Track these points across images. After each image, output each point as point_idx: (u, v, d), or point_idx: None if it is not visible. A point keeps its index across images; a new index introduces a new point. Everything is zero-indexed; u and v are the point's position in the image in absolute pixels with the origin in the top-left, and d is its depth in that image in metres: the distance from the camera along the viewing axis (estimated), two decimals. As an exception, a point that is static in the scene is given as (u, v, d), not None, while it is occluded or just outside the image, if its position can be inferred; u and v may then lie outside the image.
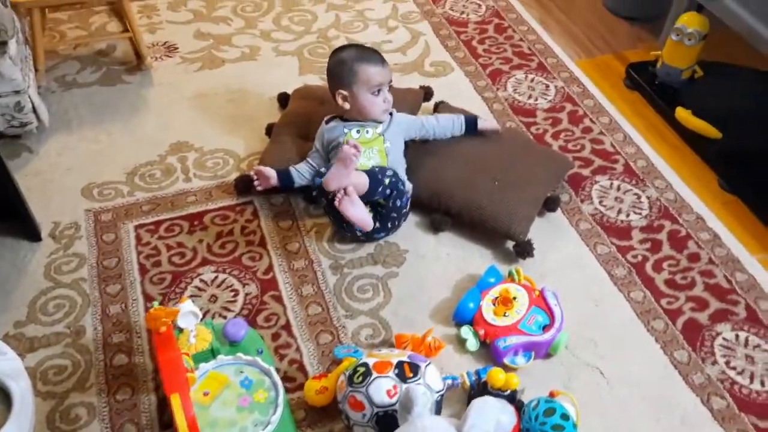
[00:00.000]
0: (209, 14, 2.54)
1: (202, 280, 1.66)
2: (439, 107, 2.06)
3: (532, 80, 2.29)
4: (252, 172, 1.80)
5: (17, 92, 1.89)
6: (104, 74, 2.25)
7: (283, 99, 2.13)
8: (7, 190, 1.68)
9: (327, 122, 1.86)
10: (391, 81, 1.87)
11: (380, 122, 1.82)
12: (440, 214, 1.78)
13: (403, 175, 1.76)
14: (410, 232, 1.78)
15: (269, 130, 2.01)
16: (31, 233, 1.73)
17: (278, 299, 1.62)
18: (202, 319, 1.50)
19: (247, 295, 1.63)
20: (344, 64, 1.86)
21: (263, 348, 1.48)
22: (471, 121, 1.95)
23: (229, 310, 1.60)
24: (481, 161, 1.83)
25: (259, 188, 1.78)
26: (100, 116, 2.10)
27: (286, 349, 1.53)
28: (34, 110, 1.95)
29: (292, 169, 1.80)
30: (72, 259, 1.70)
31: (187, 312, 1.44)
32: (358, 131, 1.79)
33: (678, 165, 2.02)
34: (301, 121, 1.97)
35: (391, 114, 1.86)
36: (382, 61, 1.85)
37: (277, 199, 1.86)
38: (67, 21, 2.47)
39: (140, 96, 2.18)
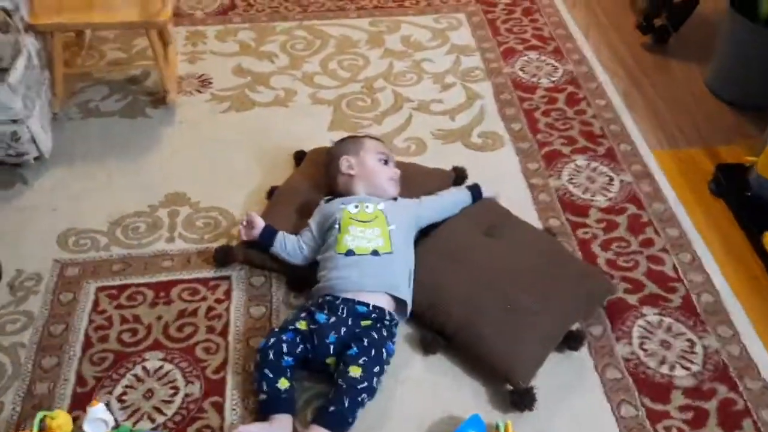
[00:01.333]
0: (256, 48, 2.36)
1: (144, 368, 1.45)
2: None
3: (595, 169, 1.93)
4: (243, 220, 1.62)
5: (14, 121, 1.77)
6: (128, 104, 2.12)
7: (299, 158, 1.90)
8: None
9: (326, 201, 1.61)
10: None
11: (385, 198, 1.57)
12: (433, 333, 1.48)
13: (405, 291, 1.47)
14: (400, 364, 1.46)
15: (270, 193, 1.79)
16: (-9, 279, 1.60)
17: (219, 408, 1.39)
18: (116, 427, 1.30)
19: (186, 396, 1.41)
20: (350, 138, 1.66)
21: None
22: (476, 190, 1.72)
23: (161, 412, 1.38)
24: (495, 272, 1.52)
25: (242, 236, 1.61)
26: (108, 152, 1.96)
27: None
28: (34, 140, 1.83)
29: (280, 233, 1.59)
30: (19, 318, 1.55)
31: (96, 419, 1.25)
32: (356, 206, 1.54)
33: (755, 307, 1.61)
34: (305, 188, 1.73)
35: (395, 199, 1.60)
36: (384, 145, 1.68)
37: (258, 280, 1.63)
38: (111, 41, 2.37)
39: (156, 134, 2.03)
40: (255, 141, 2.00)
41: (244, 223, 1.61)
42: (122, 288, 1.61)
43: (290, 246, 1.57)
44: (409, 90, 2.20)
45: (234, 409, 1.39)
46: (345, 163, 1.63)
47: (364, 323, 1.41)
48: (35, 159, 1.88)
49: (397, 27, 2.48)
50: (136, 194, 1.84)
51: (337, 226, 1.52)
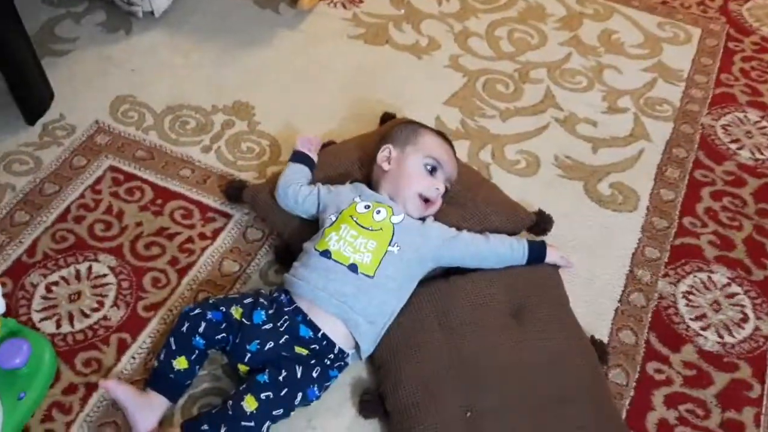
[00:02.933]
0: (434, -19, 2.03)
1: (89, 268, 1.33)
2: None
3: (732, 297, 1.38)
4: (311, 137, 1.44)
5: (135, -32, 1.69)
6: (270, -9, 1.94)
7: (384, 121, 1.60)
8: (28, 60, 1.52)
9: (351, 182, 1.32)
10: (450, 185, 1.30)
11: (409, 214, 1.25)
12: (377, 396, 1.17)
13: (365, 330, 1.16)
14: (326, 406, 1.17)
15: (325, 146, 1.53)
16: (30, 114, 1.56)
17: (122, 348, 1.23)
18: (4, 315, 1.20)
19: (103, 318, 1.26)
20: (412, 124, 1.32)
21: (28, 393, 1.13)
22: (537, 249, 1.30)
23: (71, 322, 1.25)
24: (484, 369, 1.14)
25: (298, 142, 1.42)
26: (217, 35, 1.82)
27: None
28: (148, -5, 1.74)
29: (309, 174, 1.37)
30: (29, 162, 1.50)
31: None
32: (367, 206, 1.23)
33: None
34: (354, 158, 1.43)
35: (423, 219, 1.26)
36: (454, 153, 1.31)
37: (254, 234, 1.41)
38: None
39: (271, 34, 1.84)
40: (359, 83, 1.73)
41: (310, 137, 1.43)
42: (130, 177, 1.49)
43: (299, 188, 1.31)
44: (567, 95, 1.75)
45: (134, 358, 1.22)
46: (384, 152, 1.31)
47: (298, 350, 1.14)
48: (144, 14, 1.80)
49: (607, 15, 1.98)
50: (210, 88, 1.68)
51: (333, 216, 1.24)
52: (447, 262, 1.27)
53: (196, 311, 1.18)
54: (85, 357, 1.22)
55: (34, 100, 1.55)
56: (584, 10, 1.99)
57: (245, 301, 1.19)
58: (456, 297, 1.22)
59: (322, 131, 1.59)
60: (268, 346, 1.13)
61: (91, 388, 1.18)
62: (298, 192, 1.30)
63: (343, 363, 1.17)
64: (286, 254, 1.34)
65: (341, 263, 1.17)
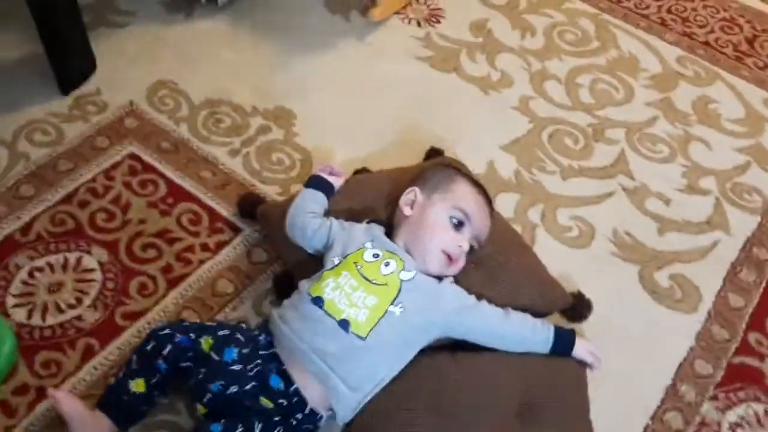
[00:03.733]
0: (520, 12, 1.86)
1: (78, 260, 1.24)
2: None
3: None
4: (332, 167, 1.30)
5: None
6: (343, -4, 1.82)
7: (428, 157, 1.44)
8: (71, 29, 1.45)
9: (368, 222, 1.17)
10: (479, 245, 1.12)
11: (424, 270, 1.09)
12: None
13: (344, 397, 1.01)
14: None
15: (357, 173, 1.39)
16: (65, 83, 1.49)
17: (87, 356, 1.12)
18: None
19: (76, 318, 1.16)
20: (448, 169, 1.17)
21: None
22: (565, 339, 1.11)
23: (43, 315, 1.16)
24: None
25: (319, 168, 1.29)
26: (276, 34, 1.70)
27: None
28: (214, -17, 1.66)
29: (325, 203, 1.23)
30: (52, 134, 1.42)
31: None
32: (376, 255, 1.09)
33: None
34: (384, 193, 1.28)
35: (440, 278, 1.10)
36: (490, 209, 1.15)
37: (259, 255, 1.29)
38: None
39: (336, 40, 1.71)
40: (414, 109, 1.58)
41: (334, 168, 1.29)
42: (148, 168, 1.39)
43: (309, 219, 1.17)
44: (642, 163, 1.54)
45: (96, 369, 1.12)
46: (409, 195, 1.16)
47: (264, 401, 0.99)
48: (208, 1, 1.71)
49: (709, 80, 1.76)
50: (256, 89, 1.57)
51: (336, 259, 1.10)
52: (457, 334, 1.10)
53: (165, 331, 1.06)
54: (46, 357, 1.12)
55: (71, 71, 1.49)
56: (683, 70, 1.77)
57: (220, 333, 1.07)
58: (457, 378, 1.06)
59: (362, 154, 1.46)
60: (231, 390, 1.00)
61: (43, 393, 1.08)
62: (307, 224, 1.16)
63: (313, 426, 1.03)
64: (287, 286, 1.21)
65: (332, 316, 1.02)
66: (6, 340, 1.09)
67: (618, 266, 1.36)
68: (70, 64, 1.48)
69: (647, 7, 1.94)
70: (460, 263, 1.13)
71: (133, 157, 1.41)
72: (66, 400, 1.02)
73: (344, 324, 1.02)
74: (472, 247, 1.14)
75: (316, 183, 1.23)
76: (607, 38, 1.83)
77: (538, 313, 1.18)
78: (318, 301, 1.04)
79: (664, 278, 1.35)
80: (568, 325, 1.21)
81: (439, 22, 1.81)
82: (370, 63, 1.68)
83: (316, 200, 1.21)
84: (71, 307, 1.18)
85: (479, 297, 1.13)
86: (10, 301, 1.18)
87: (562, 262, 1.31)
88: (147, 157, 1.41)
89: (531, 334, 1.11)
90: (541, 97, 1.65)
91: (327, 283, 1.06)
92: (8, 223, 1.28)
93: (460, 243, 1.11)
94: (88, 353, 1.13)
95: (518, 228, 1.37)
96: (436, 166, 1.22)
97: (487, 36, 1.79)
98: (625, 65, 1.77)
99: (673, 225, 1.44)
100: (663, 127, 1.63)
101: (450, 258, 1.10)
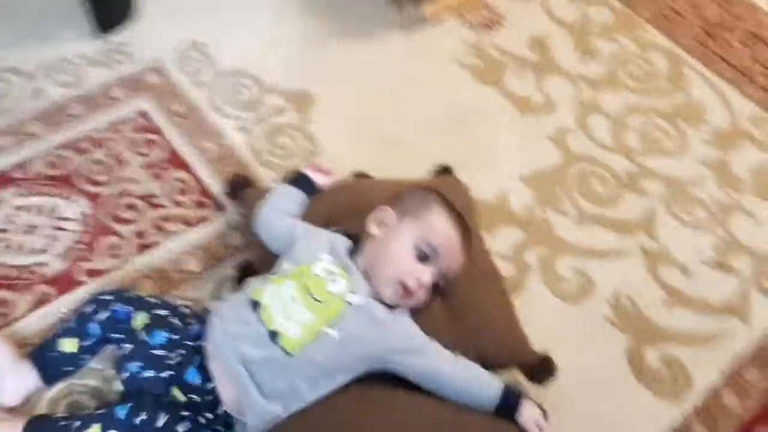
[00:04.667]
0: (590, 33, 1.72)
1: (60, 205, 1.25)
2: None
3: None
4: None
5: None
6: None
7: (440, 172, 1.36)
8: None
9: (332, 232, 1.12)
10: (446, 282, 1.05)
11: (377, 297, 1.03)
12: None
13: (257, 408, 0.96)
14: None
15: (360, 176, 1.32)
16: (100, 24, 1.49)
17: (38, 305, 1.14)
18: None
19: (40, 264, 1.17)
20: (430, 195, 1.10)
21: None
22: (511, 402, 1.02)
23: (12, 253, 1.18)
24: None
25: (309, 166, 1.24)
26: (321, 12, 1.66)
27: None
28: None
29: (304, 201, 1.18)
30: (73, 76, 1.44)
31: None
32: (329, 271, 1.03)
33: None
34: (367, 202, 1.21)
35: (392, 307, 1.03)
36: (466, 246, 1.07)
37: (233, 238, 1.26)
38: None
39: (375, 31, 1.64)
40: (442, 117, 1.50)
41: (323, 166, 1.24)
42: (154, 130, 1.38)
43: (276, 217, 1.13)
44: (672, 224, 1.40)
45: (44, 318, 1.13)
46: (380, 214, 1.09)
47: (175, 394, 0.97)
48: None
49: (778, 147, 1.58)
50: (284, 65, 1.53)
51: (286, 266, 1.05)
52: (398, 372, 1.03)
53: (107, 297, 1.05)
54: (1, 296, 1.14)
55: (109, 12, 1.49)
56: (754, 131, 1.60)
57: (158, 312, 1.05)
58: (382, 422, 0.99)
59: (372, 156, 1.40)
60: (146, 374, 0.98)
61: (-18, 332, 1.10)
62: (273, 222, 1.12)
63: (221, 428, 1.00)
64: (247, 276, 1.18)
65: (263, 324, 0.98)
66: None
67: (606, 334, 1.24)
68: (108, 6, 1.48)
69: (734, 52, 1.75)
70: (419, 296, 1.05)
71: (143, 115, 1.40)
72: None
73: (273, 335, 0.97)
74: (438, 285, 1.07)
75: (297, 180, 1.18)
76: (677, 78, 1.67)
77: (496, 364, 1.10)
78: (255, 305, 1.00)
79: (654, 358, 1.22)
80: (524, 382, 1.12)
81: (496, 30, 1.70)
82: (409, 61, 1.60)
83: (292, 198, 1.16)
84: (40, 251, 1.20)
85: (436, 333, 1.05)
86: (-9, 234, 1.21)
87: (542, 317, 1.22)
88: (156, 117, 1.40)
89: (477, 388, 1.03)
90: (581, 131, 1.53)
91: (268, 290, 1.01)
92: (5, 157, 1.30)
93: (421, 276, 1.03)
94: (42, 301, 1.14)
95: (510, 267, 1.28)
96: (417, 189, 1.13)
97: (543, 53, 1.67)
98: (687, 112, 1.61)
99: (686, 302, 1.30)
100: (709, 189, 1.48)
101: (406, 290, 1.03)
